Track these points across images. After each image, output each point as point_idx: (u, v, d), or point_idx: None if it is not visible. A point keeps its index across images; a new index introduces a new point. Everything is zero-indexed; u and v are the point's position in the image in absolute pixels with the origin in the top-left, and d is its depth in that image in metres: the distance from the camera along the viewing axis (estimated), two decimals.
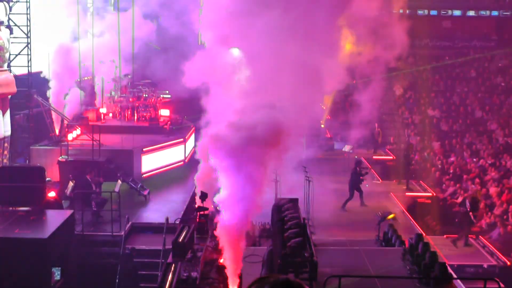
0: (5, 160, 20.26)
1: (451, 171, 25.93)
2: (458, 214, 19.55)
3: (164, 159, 23.24)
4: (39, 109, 22.38)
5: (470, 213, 18.02)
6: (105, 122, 25.11)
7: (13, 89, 20.44)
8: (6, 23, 20.70)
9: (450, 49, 39.87)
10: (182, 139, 24.31)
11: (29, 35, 21.75)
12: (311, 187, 18.43)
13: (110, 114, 26.19)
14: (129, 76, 26.96)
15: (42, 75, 23.48)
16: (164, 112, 26.61)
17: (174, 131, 24.97)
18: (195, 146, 23.22)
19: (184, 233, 15.41)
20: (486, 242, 18.28)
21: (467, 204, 18.32)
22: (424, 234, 16.54)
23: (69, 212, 16.40)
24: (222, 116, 14.13)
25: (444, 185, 24.55)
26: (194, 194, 19.97)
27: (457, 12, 41.24)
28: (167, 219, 17.01)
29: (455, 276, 13.42)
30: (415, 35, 30.49)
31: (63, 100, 23.67)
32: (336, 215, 20.25)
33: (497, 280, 11.58)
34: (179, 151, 24.09)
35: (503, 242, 18.54)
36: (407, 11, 35.47)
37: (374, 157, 28.59)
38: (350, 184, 21.37)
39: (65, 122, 22.77)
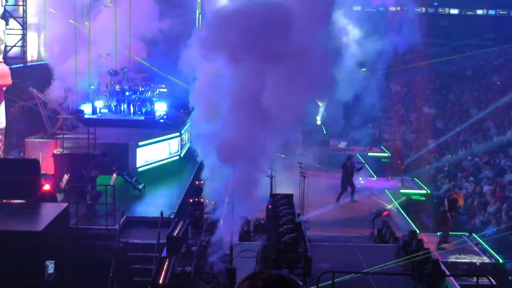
0: None
1: (446, 168, 26.00)
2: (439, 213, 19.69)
3: (159, 153, 23.22)
4: (34, 102, 22.33)
5: (448, 213, 18.13)
6: (100, 116, 25.08)
7: (8, 81, 20.38)
8: (1, 14, 20.64)
9: (446, 47, 39.93)
10: (177, 133, 24.30)
11: (25, 26, 21.68)
12: (306, 183, 18.45)
13: (106, 108, 26.14)
14: (125, 70, 26.89)
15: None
16: (160, 106, 26.59)
17: (170, 125, 24.94)
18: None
19: (178, 227, 15.43)
20: (479, 239, 18.36)
21: (446, 203, 18.47)
22: (418, 231, 16.61)
23: (63, 205, 16.37)
24: None
25: (438, 182, 24.62)
26: (189, 188, 20.01)
27: (454, 11, 41.32)
28: (161, 213, 17.01)
29: (448, 273, 13.48)
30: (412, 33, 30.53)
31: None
32: (331, 211, 20.28)
33: (489, 277, 11.65)
34: (175, 145, 24.07)
35: (496, 240, 18.61)
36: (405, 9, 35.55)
37: (369, 153, 28.63)
38: (342, 179, 21.44)
39: (61, 115, 22.74)
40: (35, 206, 16.03)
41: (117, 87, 25.90)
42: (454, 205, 18.28)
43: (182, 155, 24.24)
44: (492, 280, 11.49)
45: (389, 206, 20.43)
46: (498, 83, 36.58)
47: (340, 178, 21.67)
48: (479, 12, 40.89)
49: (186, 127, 25.32)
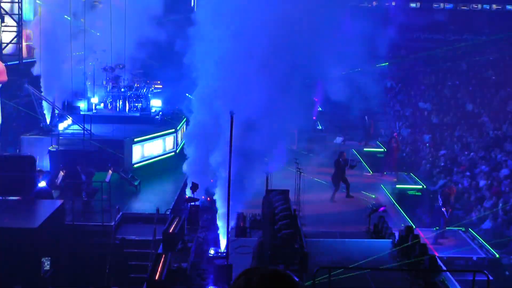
0: None
1: (442, 163, 26.02)
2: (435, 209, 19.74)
3: (155, 150, 23.19)
4: (30, 98, 22.26)
5: (443, 208, 18.17)
6: (96, 112, 25.01)
7: (4, 77, 20.33)
8: None
9: (441, 42, 39.93)
10: (173, 130, 24.26)
11: (20, 23, 21.60)
12: (302, 178, 18.43)
13: (102, 104, 26.07)
14: (121, 66, 26.79)
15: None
16: (156, 103, 26.54)
17: (166, 122, 24.90)
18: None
19: (174, 223, 15.44)
20: (475, 234, 18.39)
21: (439, 199, 18.51)
22: (414, 226, 16.62)
23: (59, 202, 16.33)
24: None
25: (434, 177, 24.64)
26: (184, 185, 19.98)
27: (449, 5, 41.33)
28: (157, 210, 16.99)
29: (444, 268, 13.49)
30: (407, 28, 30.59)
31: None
32: (327, 206, 20.28)
33: (486, 272, 11.66)
34: (170, 142, 24.05)
35: (492, 234, 18.65)
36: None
37: (365, 149, 28.63)
38: (334, 176, 21.29)
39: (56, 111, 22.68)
40: (31, 203, 16.00)
41: (109, 87, 25.76)
42: (447, 199, 18.34)
43: (177, 151, 24.22)
44: (489, 275, 11.49)
45: (385, 202, 20.46)
46: (494, 78, 36.58)
47: (332, 175, 21.54)
48: (474, 6, 40.91)
49: (181, 123, 25.29)
